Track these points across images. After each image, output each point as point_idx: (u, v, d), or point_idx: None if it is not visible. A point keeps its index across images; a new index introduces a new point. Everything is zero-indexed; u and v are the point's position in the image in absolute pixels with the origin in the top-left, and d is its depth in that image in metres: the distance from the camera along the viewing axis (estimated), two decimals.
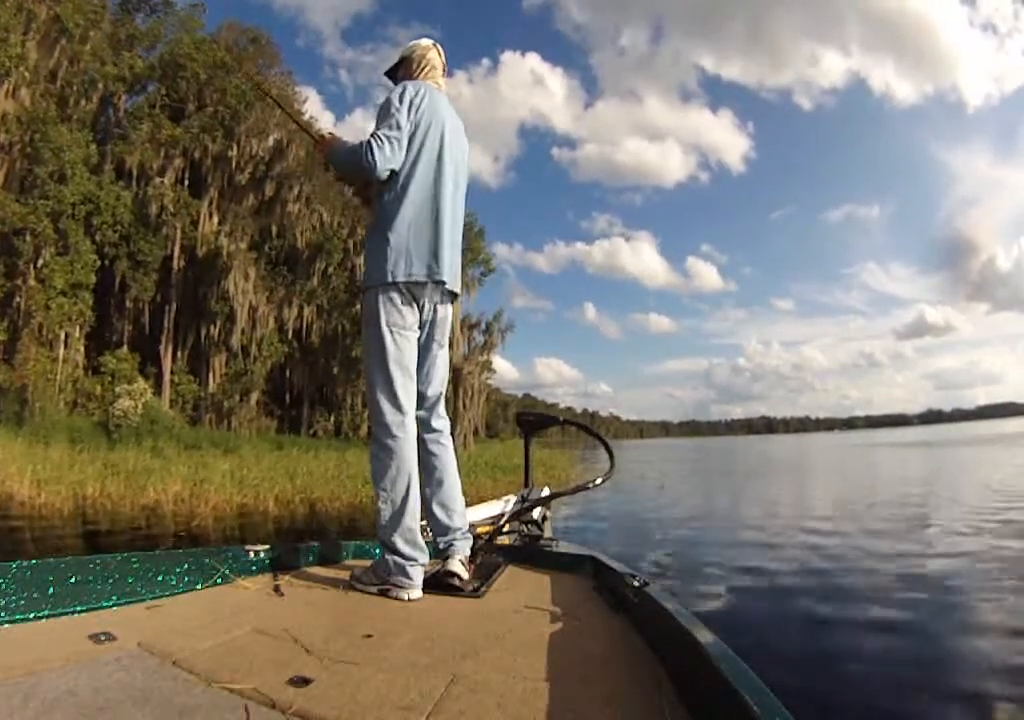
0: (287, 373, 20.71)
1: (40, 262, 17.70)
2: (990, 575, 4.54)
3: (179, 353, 19.43)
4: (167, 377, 19.00)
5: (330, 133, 1.86)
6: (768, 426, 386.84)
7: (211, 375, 19.15)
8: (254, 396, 19.13)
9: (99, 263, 18.43)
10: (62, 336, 18.44)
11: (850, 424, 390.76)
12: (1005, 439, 36.65)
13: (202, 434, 17.62)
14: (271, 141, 19.50)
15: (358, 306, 20.14)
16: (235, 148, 19.05)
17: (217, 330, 18.90)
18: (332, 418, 20.52)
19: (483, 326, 22.35)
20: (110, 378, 18.46)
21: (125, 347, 19.22)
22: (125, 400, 17.01)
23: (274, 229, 19.79)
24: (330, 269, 20.11)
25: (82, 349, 19.31)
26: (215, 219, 19.12)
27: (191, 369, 19.56)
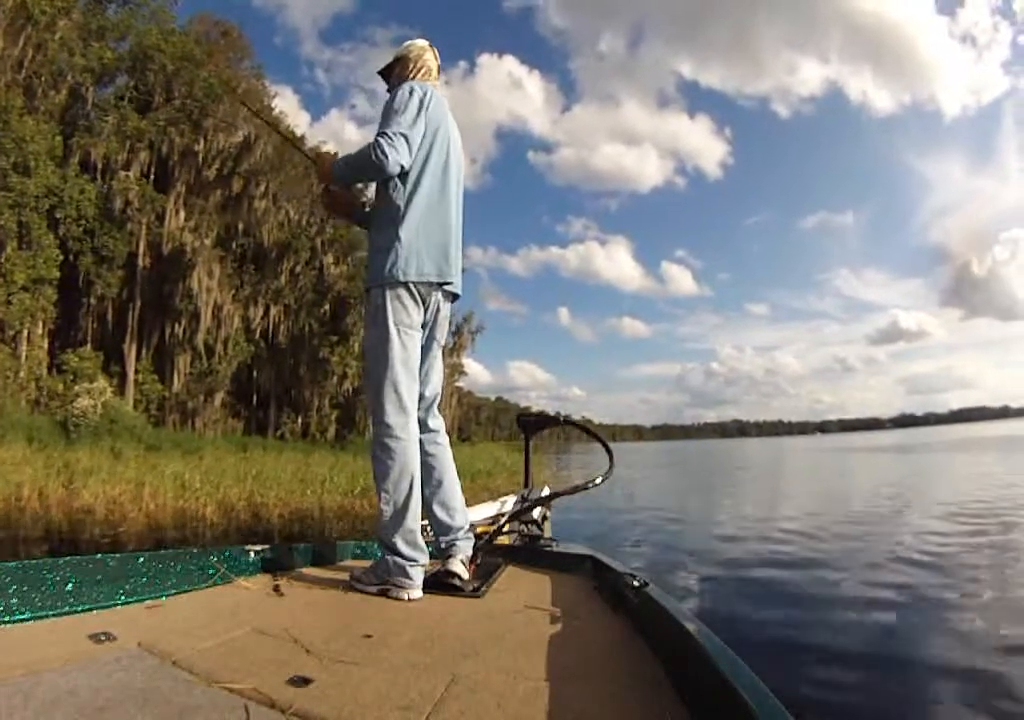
0: (254, 374, 20.51)
1: (1, 256, 17.45)
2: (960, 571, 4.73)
3: (144, 352, 19.20)
4: (131, 376, 18.77)
5: (325, 152, 1.98)
6: (741, 430, 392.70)
7: (176, 375, 18.91)
8: (219, 396, 18.94)
9: (62, 258, 18.19)
10: (24, 333, 18.21)
11: (823, 428, 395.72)
12: (980, 444, 36.79)
13: (164, 435, 17.41)
14: (239, 136, 19.25)
15: (327, 306, 19.98)
16: (202, 142, 18.81)
17: (182, 329, 18.67)
18: (299, 420, 20.36)
19: (453, 327, 22.34)
20: (72, 377, 18.22)
21: (89, 345, 18.96)
22: (84, 399, 16.78)
23: (240, 226, 19.56)
24: (298, 268, 19.94)
25: (45, 346, 19.08)
26: (182, 215, 18.90)
27: (156, 368, 19.32)
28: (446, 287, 1.75)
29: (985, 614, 3.64)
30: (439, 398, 1.86)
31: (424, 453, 1.77)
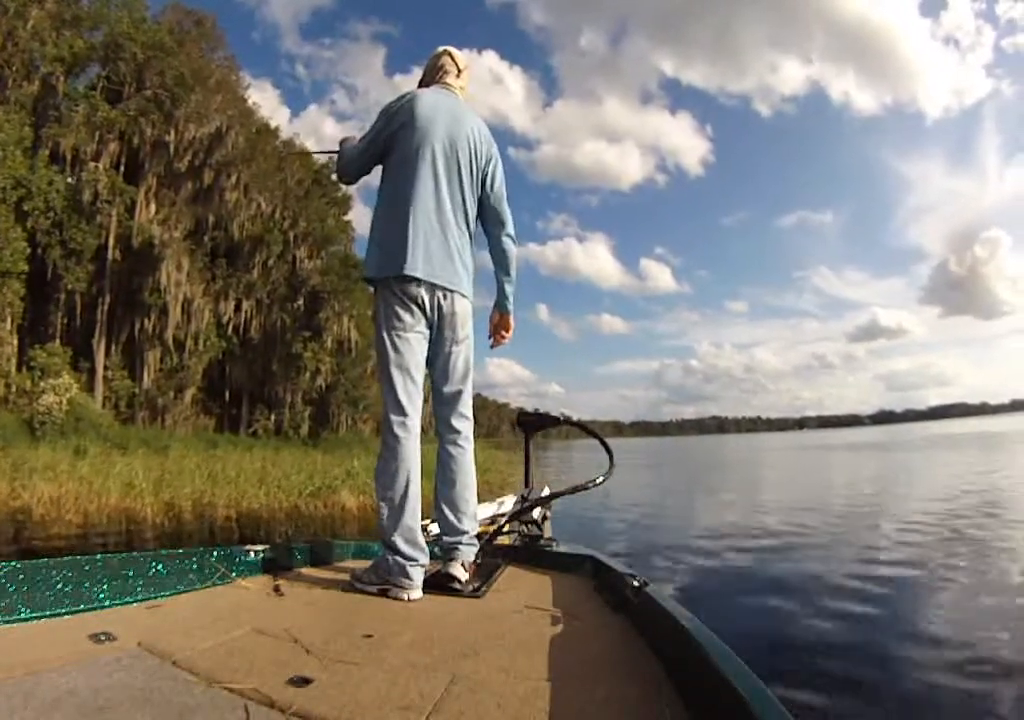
0: (226, 370, 20.12)
1: None
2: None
3: (113, 348, 18.80)
4: (100, 373, 18.38)
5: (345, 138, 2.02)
6: (719, 426, 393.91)
7: (146, 371, 18.53)
8: (189, 393, 18.56)
9: (30, 251, 17.81)
10: None
11: (802, 424, 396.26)
12: (960, 440, 36.92)
13: (132, 433, 17.04)
14: (212, 127, 18.89)
15: (301, 301, 19.63)
16: (173, 133, 18.44)
17: (151, 324, 18.29)
18: (272, 416, 19.99)
19: None
20: (40, 373, 17.86)
21: (58, 341, 18.59)
22: (49, 396, 16.42)
23: (212, 219, 19.16)
24: (270, 261, 19.56)
25: (15, 342, 18.70)
26: (152, 207, 18.52)
27: (126, 365, 18.93)
28: (436, 283, 1.75)
29: (966, 601, 3.80)
30: (465, 397, 1.84)
31: (443, 452, 1.81)
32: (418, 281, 1.72)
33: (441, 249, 1.77)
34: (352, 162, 1.88)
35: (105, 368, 18.67)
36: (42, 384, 16.84)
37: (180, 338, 18.62)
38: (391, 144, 1.80)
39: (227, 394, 20.37)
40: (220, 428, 19.82)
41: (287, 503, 10.07)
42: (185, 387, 18.47)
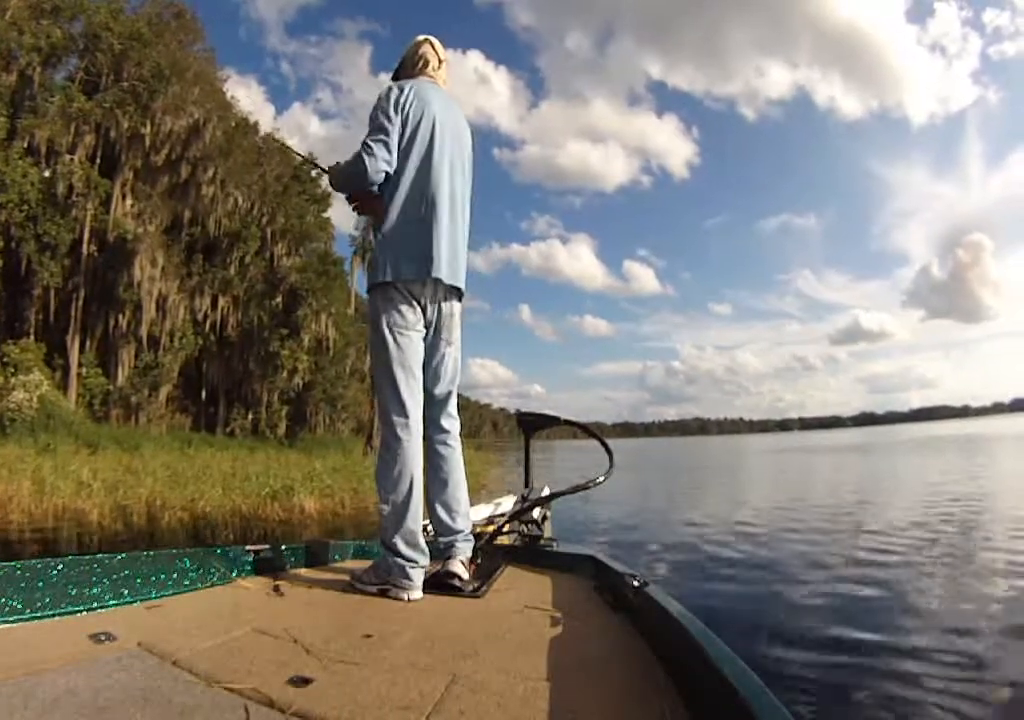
0: (203, 368, 19.83)
1: None
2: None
3: (88, 344, 18.47)
4: (74, 370, 18.08)
5: (335, 163, 1.89)
6: (701, 427, 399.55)
7: (120, 368, 18.23)
8: (164, 391, 18.22)
9: (3, 245, 17.53)
10: None
11: (784, 426, 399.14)
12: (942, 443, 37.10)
13: (104, 431, 16.73)
14: (189, 120, 18.59)
15: (279, 298, 19.37)
16: (150, 126, 18.14)
17: (126, 320, 17.98)
18: (249, 416, 19.70)
19: None
20: (12, 369, 17.59)
21: (32, 336, 18.31)
22: (19, 392, 16.13)
23: (188, 214, 18.82)
24: (247, 258, 19.23)
25: None
26: (128, 201, 18.19)
27: (101, 362, 18.62)
28: (442, 283, 1.72)
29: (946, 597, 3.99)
30: (453, 397, 1.84)
31: (434, 453, 1.78)
32: (425, 281, 1.69)
33: (455, 250, 1.76)
34: (382, 165, 1.66)
35: (79, 365, 18.35)
36: (12, 380, 16.57)
37: (155, 335, 18.32)
38: (401, 142, 1.72)
39: (203, 393, 20.06)
40: (196, 427, 19.43)
41: (244, 505, 9.83)
42: (160, 385, 18.10)
